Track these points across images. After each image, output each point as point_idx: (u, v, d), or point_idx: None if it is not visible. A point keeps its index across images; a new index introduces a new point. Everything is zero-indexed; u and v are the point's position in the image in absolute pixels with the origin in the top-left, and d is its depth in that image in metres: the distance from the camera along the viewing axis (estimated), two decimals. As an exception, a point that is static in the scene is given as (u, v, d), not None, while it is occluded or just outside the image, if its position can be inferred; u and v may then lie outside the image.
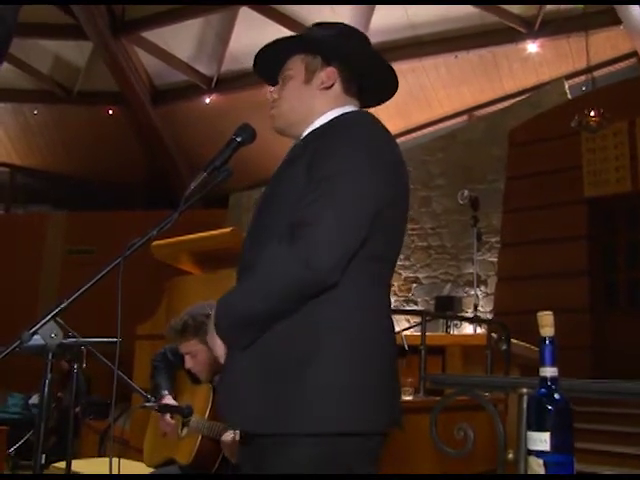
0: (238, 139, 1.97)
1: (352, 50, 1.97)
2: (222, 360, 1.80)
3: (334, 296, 1.68)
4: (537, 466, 1.28)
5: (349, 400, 1.64)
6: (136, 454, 4.16)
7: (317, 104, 1.93)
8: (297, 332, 1.67)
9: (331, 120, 1.88)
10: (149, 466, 3.52)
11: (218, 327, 1.75)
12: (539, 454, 1.29)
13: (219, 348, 1.78)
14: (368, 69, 1.98)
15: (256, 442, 1.73)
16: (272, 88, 2.02)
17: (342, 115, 1.88)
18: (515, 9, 11.45)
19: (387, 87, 2.06)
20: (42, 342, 1.78)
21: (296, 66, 1.96)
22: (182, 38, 13.03)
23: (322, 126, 1.89)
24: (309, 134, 1.90)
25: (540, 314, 1.37)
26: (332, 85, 1.94)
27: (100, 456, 5.44)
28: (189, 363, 3.24)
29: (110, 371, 1.99)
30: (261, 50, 1.99)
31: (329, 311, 1.68)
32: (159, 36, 13.00)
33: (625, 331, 8.87)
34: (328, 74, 1.93)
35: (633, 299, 9.24)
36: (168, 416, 3.33)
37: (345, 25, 2.05)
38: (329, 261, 1.63)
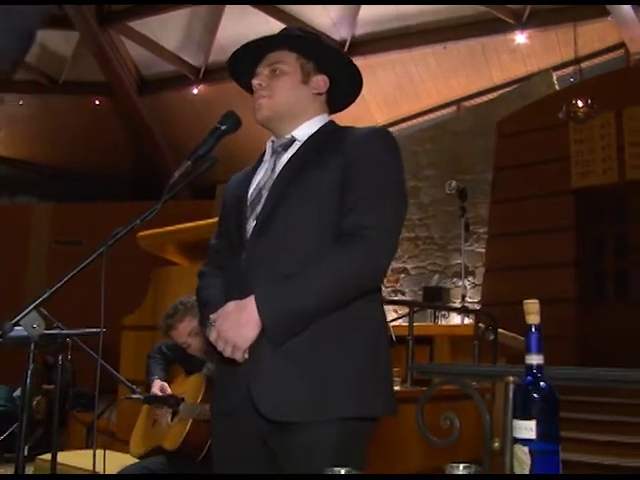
0: (222, 127, 1.95)
1: (343, 65, 2.04)
2: (239, 354, 1.78)
3: (377, 295, 1.90)
4: (522, 454, 1.28)
5: (374, 387, 1.82)
6: (122, 446, 4.15)
7: (311, 107, 2.00)
8: (338, 326, 1.79)
9: (330, 126, 2.01)
10: (134, 456, 3.53)
11: (268, 322, 1.73)
12: (525, 442, 1.29)
13: (243, 342, 1.76)
14: (348, 85, 2.08)
15: (277, 427, 1.78)
16: (259, 76, 2.00)
17: (368, 128, 1.98)
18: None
19: (346, 102, 2.15)
20: (24, 333, 1.75)
21: (291, 63, 1.98)
22: (169, 28, 12.97)
23: (323, 132, 1.98)
24: (311, 139, 1.96)
25: (526, 302, 1.37)
26: (322, 93, 2.02)
27: (87, 448, 5.43)
28: (195, 346, 3.27)
29: (97, 363, 1.98)
30: (245, 46, 1.99)
31: (366, 306, 1.84)
32: (146, 26, 12.94)
33: (612, 321, 8.91)
34: (321, 82, 2.01)
35: (620, 290, 9.29)
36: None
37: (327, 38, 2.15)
38: (387, 264, 1.83)
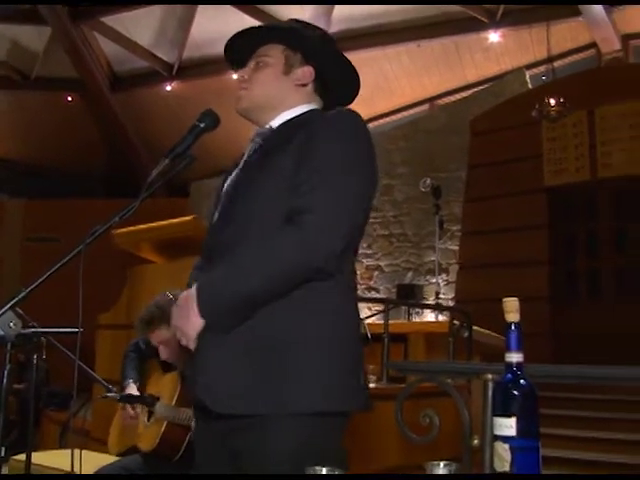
0: (201, 125, 1.97)
1: (331, 56, 2.04)
2: (191, 343, 1.78)
3: (327, 283, 1.76)
4: (503, 451, 1.30)
5: (333, 380, 1.73)
6: (98, 445, 4.12)
7: (290, 97, 1.99)
8: (288, 315, 1.74)
9: (311, 113, 1.97)
10: (112, 454, 3.50)
11: (203, 309, 1.74)
12: (505, 439, 1.31)
13: (192, 331, 1.77)
14: (340, 77, 2.06)
15: (234, 423, 1.74)
16: (243, 69, 2.03)
17: (343, 111, 1.94)
18: (477, -1, 11.52)
19: (347, 96, 2.13)
20: (0, 332, 1.74)
21: (276, 55, 2.01)
22: (143, 24, 12.85)
23: (298, 119, 1.96)
24: (283, 125, 1.96)
25: (505, 300, 1.38)
26: (307, 83, 2.02)
27: (61, 448, 5.38)
28: (164, 354, 3.23)
29: (71, 361, 1.96)
30: (238, 34, 2.02)
31: (321, 297, 1.77)
32: (119, 22, 12.81)
33: (584, 319, 9.01)
34: (306, 73, 2.01)
35: (592, 287, 9.39)
36: (129, 408, 3.34)
37: (325, 30, 2.15)
38: (328, 248, 1.71)
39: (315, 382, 1.71)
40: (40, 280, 1.75)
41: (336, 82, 2.07)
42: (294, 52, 2.00)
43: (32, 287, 1.74)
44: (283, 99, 1.99)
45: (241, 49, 2.05)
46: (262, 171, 1.86)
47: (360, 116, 1.94)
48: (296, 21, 2.10)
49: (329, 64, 2.03)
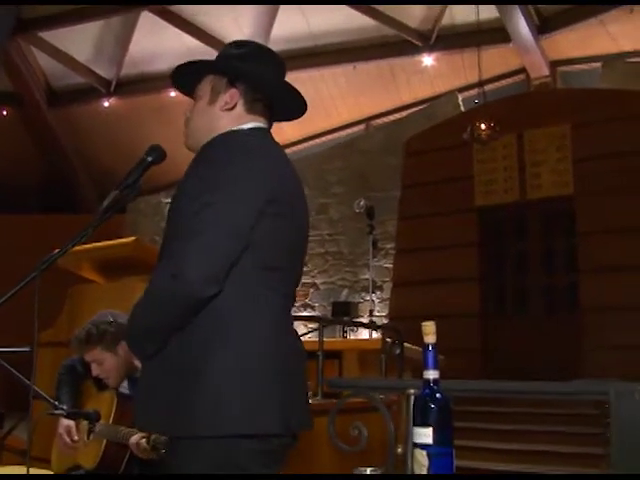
0: (149, 159, 2.04)
1: (254, 72, 2.03)
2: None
3: (223, 307, 1.77)
4: (421, 457, 1.47)
5: (237, 405, 1.73)
6: (37, 464, 4.12)
7: (220, 124, 1.99)
8: (189, 343, 1.78)
9: (214, 138, 1.95)
10: (55, 472, 3.53)
11: (125, 338, 1.90)
12: (423, 447, 1.48)
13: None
14: (270, 90, 2.06)
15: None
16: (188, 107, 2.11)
17: (225, 133, 1.96)
18: (412, 23, 11.83)
19: (293, 106, 2.13)
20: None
21: (205, 87, 2.05)
22: (81, 40, 12.78)
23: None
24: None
25: (424, 324, 1.55)
26: (235, 106, 2.02)
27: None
28: (96, 370, 3.29)
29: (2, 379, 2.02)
30: (178, 68, 2.09)
31: (217, 322, 1.77)
32: (57, 37, 12.73)
33: (511, 335, 9.29)
34: (231, 95, 2.01)
35: (519, 304, 9.69)
36: (66, 436, 3.33)
37: (256, 45, 2.14)
38: (195, 274, 1.71)
39: (213, 407, 1.72)
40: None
41: (272, 94, 2.07)
42: (221, 78, 2.03)
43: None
44: (212, 128, 1.99)
45: (191, 83, 2.10)
46: (177, 198, 1.91)
47: (254, 132, 1.99)
48: (233, 42, 2.13)
49: (255, 81, 2.04)
